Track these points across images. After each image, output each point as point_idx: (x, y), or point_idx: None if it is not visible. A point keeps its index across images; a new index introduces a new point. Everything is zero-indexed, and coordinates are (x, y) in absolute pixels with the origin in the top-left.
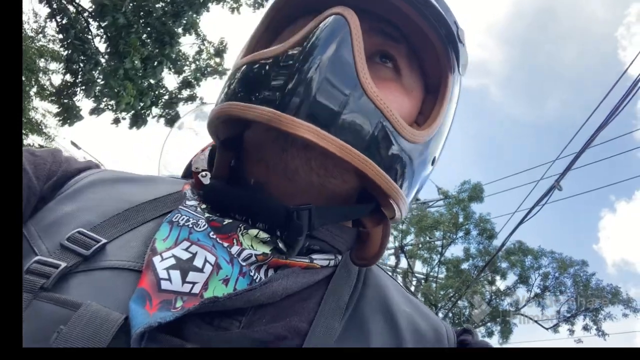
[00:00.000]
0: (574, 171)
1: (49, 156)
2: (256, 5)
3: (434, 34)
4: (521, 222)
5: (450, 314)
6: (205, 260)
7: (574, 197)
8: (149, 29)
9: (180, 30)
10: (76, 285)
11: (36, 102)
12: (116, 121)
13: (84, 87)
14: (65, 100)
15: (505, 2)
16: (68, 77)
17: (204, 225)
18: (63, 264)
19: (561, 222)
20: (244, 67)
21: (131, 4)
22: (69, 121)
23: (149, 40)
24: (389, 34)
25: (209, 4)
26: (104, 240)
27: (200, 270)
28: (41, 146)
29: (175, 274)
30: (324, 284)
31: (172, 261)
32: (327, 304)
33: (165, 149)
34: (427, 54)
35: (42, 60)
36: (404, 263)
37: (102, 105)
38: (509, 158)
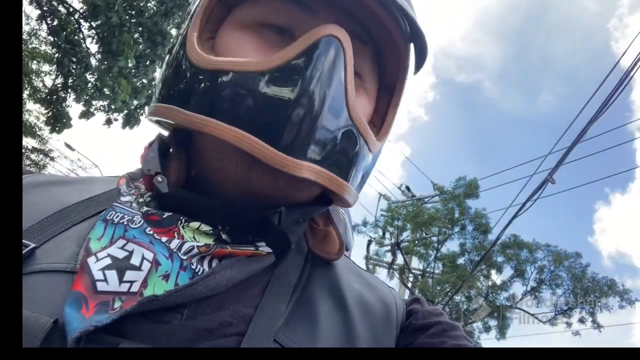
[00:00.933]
0: (568, 164)
1: None
2: None
3: (399, 33)
4: (515, 216)
5: (447, 309)
6: (143, 258)
7: (569, 190)
8: (140, 28)
9: (172, 30)
10: None
11: (29, 104)
12: (108, 122)
13: (74, 91)
14: (56, 107)
15: None
16: (59, 80)
17: (140, 222)
18: None
19: (556, 215)
20: (220, 74)
21: (124, 4)
22: (57, 128)
23: (141, 39)
24: (357, 35)
25: None
26: (32, 245)
27: (138, 268)
28: (35, 148)
29: (112, 274)
30: (270, 269)
31: (108, 261)
32: (274, 287)
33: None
34: (389, 52)
35: (35, 62)
36: (400, 259)
37: (92, 109)
38: (503, 152)
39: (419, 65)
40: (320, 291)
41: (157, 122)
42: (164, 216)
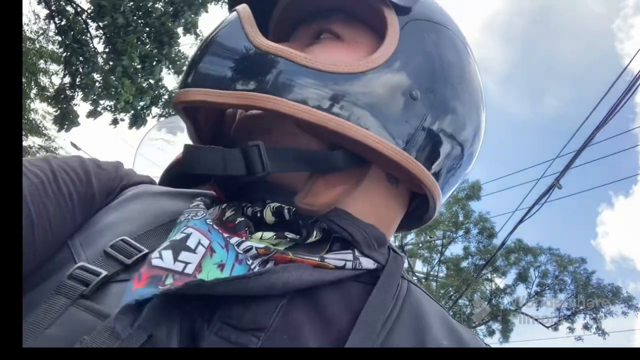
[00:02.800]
0: (573, 168)
1: (112, 171)
2: None
3: None
4: (520, 221)
5: (451, 313)
6: (199, 242)
7: (571, 191)
8: (147, 28)
9: (180, 30)
10: (113, 295)
11: (36, 103)
12: (114, 122)
13: (82, 91)
14: (63, 105)
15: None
16: (67, 80)
17: (202, 214)
18: (104, 272)
19: (559, 218)
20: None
21: (130, 3)
22: (65, 126)
23: (147, 40)
24: (319, 15)
25: (208, 4)
26: (145, 250)
27: (193, 250)
28: (41, 147)
29: (167, 253)
30: (352, 304)
31: (166, 243)
32: (359, 333)
33: (145, 141)
34: (364, 11)
35: (42, 61)
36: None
37: (99, 108)
38: (508, 156)
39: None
40: (405, 341)
41: None
42: (237, 222)
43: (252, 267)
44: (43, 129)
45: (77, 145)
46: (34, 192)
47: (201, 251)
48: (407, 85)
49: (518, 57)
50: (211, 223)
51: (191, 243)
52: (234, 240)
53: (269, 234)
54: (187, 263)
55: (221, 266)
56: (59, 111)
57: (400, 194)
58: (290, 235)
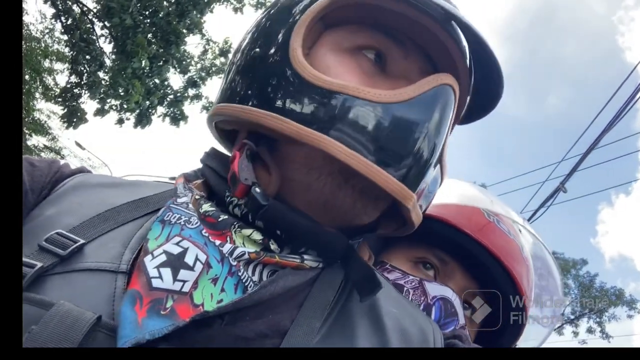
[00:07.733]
0: (577, 172)
1: (46, 168)
2: (259, 5)
3: (467, 74)
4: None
5: None
6: (197, 258)
7: (572, 192)
8: (154, 28)
9: (185, 30)
10: (52, 287)
11: (41, 103)
12: (120, 121)
13: (88, 89)
14: (71, 103)
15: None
16: (73, 78)
17: (197, 223)
18: (39, 264)
19: (559, 217)
20: (337, 95)
21: (138, 4)
22: (73, 123)
23: (154, 40)
24: (426, 69)
25: (213, 4)
26: (81, 241)
27: (191, 268)
28: (46, 146)
29: (166, 272)
30: (310, 283)
31: (163, 257)
32: (310, 303)
33: None
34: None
35: (47, 60)
36: None
37: (106, 107)
38: (511, 156)
39: (486, 107)
40: (359, 310)
41: (216, 123)
42: (220, 219)
43: (242, 277)
44: (48, 128)
45: (81, 144)
46: None
47: (199, 268)
48: None
49: (520, 57)
50: (207, 234)
51: (189, 259)
52: (227, 248)
53: (258, 236)
54: (184, 281)
55: (214, 280)
56: (66, 109)
57: None
58: (273, 246)
